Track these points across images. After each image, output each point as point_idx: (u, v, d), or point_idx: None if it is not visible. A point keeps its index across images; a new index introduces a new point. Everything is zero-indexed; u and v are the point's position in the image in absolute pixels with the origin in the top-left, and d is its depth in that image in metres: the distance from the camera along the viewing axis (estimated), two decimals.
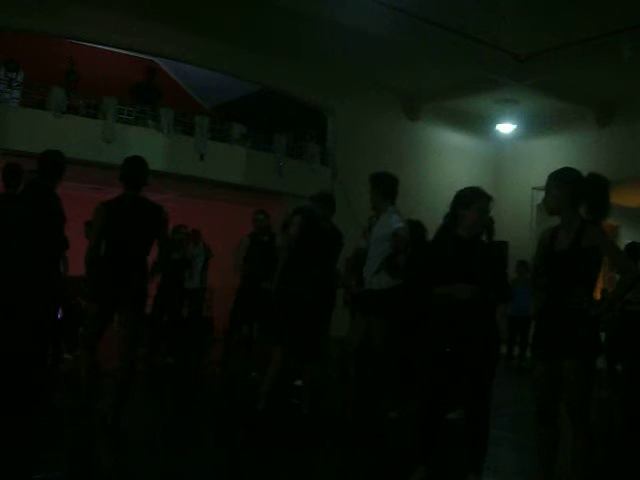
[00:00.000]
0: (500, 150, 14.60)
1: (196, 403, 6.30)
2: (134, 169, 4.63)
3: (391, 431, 5.34)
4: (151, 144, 10.48)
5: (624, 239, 14.72)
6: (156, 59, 12.85)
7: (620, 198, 13.33)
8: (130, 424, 4.83)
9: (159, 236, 4.68)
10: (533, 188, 13.67)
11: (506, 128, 13.81)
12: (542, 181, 3.71)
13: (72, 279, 7.59)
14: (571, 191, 3.49)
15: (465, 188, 3.98)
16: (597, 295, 7.63)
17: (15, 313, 4.89)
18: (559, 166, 3.68)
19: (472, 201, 3.89)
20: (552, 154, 12.64)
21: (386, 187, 5.32)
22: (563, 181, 3.53)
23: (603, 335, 7.80)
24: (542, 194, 3.69)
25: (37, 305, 4.93)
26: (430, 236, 7.39)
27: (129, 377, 4.60)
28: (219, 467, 4.26)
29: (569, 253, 3.45)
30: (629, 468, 4.89)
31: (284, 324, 5.28)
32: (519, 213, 13.79)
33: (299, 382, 6.29)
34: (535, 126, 13.71)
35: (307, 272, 5.28)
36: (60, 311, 8.82)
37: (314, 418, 5.41)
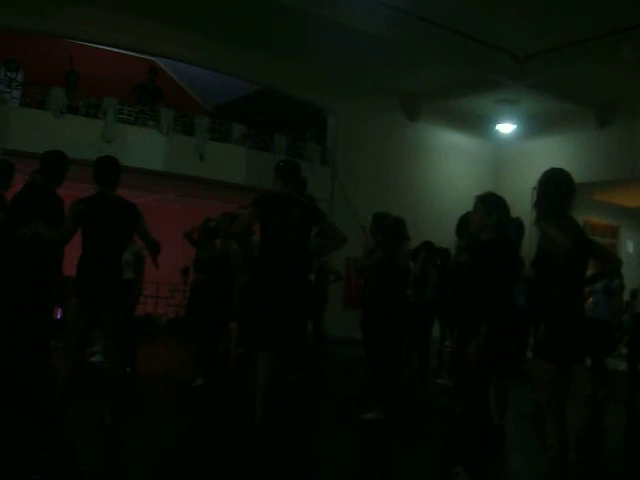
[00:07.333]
0: (500, 150, 14.59)
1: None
2: (106, 168, 4.68)
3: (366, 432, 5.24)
4: (151, 144, 10.51)
5: (624, 239, 14.75)
6: (156, 59, 12.85)
7: (620, 198, 13.36)
8: (129, 425, 4.84)
9: (139, 232, 4.70)
10: (533, 188, 13.50)
11: (506, 128, 13.81)
12: None
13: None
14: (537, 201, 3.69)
15: None
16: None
17: (14, 313, 4.89)
18: (559, 166, 3.69)
19: None
20: (552, 154, 12.61)
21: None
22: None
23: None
24: None
25: (37, 305, 4.93)
26: (427, 236, 7.52)
27: (120, 375, 4.60)
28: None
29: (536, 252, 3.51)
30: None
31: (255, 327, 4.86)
32: (519, 213, 13.70)
33: None
34: (535, 126, 13.71)
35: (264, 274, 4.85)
36: (60, 311, 8.85)
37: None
